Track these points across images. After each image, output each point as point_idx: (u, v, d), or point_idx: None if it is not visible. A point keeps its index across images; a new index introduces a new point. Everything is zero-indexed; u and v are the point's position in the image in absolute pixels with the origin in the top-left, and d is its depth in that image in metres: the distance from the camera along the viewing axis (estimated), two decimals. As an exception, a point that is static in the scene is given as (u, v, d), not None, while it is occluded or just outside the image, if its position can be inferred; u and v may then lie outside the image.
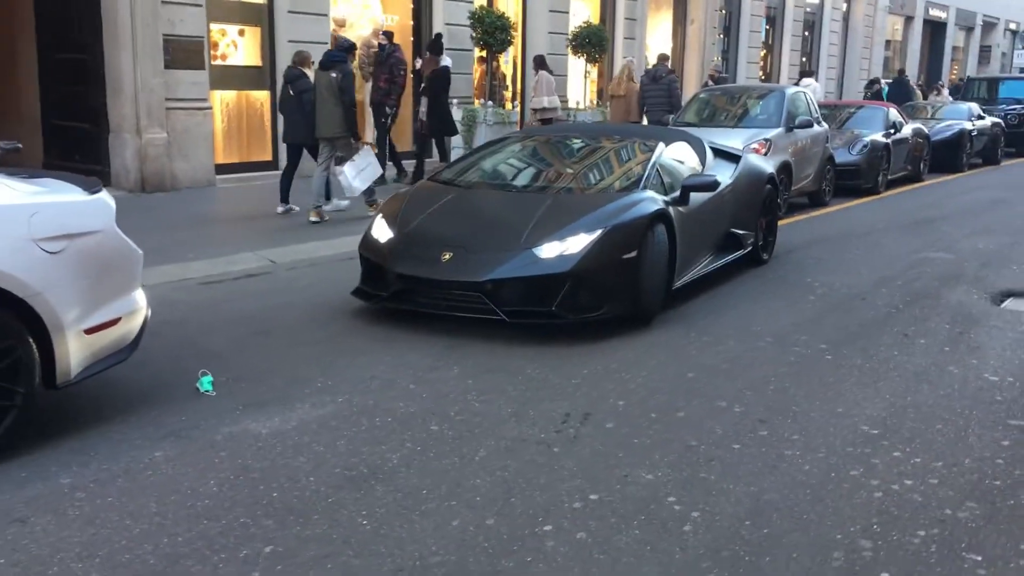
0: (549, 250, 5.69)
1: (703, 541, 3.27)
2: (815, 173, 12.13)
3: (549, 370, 5.12)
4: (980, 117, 19.08)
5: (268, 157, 13.04)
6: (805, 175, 11.78)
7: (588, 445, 4.12)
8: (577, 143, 7.59)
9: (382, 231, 6.24)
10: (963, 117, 18.59)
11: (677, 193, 6.59)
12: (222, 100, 12.62)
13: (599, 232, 5.73)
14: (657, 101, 14.38)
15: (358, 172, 9.76)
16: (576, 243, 5.69)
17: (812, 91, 19.16)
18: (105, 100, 11.08)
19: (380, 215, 6.47)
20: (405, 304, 5.92)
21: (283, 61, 12.59)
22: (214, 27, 12.26)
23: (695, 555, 3.18)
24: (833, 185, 12.84)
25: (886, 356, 5.52)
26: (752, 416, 4.49)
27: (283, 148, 12.65)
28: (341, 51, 10.19)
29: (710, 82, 16.74)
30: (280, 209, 10.17)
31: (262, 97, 13.04)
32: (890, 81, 24.40)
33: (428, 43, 13.51)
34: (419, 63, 13.65)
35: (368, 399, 4.64)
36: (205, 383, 4.74)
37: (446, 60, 12.97)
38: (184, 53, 11.39)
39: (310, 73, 10.18)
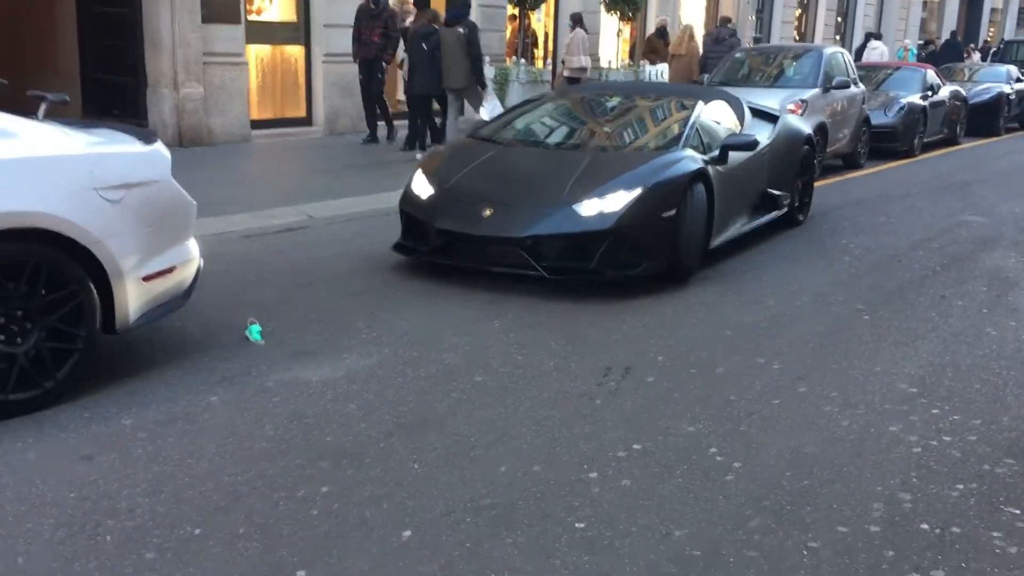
0: (589, 207, 5.72)
1: (745, 490, 3.36)
2: (851, 135, 12.06)
3: (588, 326, 5.21)
4: (1018, 80, 18.81)
5: (302, 113, 13.11)
6: (841, 136, 11.71)
7: (630, 398, 4.21)
8: (615, 101, 7.62)
9: (422, 187, 6.29)
10: (1001, 80, 18.36)
11: (716, 152, 6.60)
12: (257, 55, 12.68)
13: (639, 190, 5.77)
14: (719, 63, 14.28)
15: (491, 112, 10.43)
16: (616, 200, 5.73)
17: (880, 54, 19.01)
18: (143, 54, 11.16)
19: (420, 171, 6.51)
20: (445, 259, 5.99)
21: (319, 16, 12.66)
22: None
23: (738, 503, 3.27)
24: (868, 147, 12.75)
25: (924, 317, 5.56)
26: (791, 373, 4.56)
27: (319, 106, 12.83)
28: (465, 7, 11.45)
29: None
30: (419, 155, 10.44)
31: (296, 53, 13.08)
32: (943, 42, 24.51)
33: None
34: (408, 20, 12.60)
35: (412, 350, 4.75)
36: (254, 332, 4.86)
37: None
38: (221, 7, 11.44)
39: (438, 29, 11.37)
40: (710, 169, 6.28)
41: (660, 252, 5.84)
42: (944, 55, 22.81)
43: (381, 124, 12.27)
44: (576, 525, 3.10)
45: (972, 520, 3.19)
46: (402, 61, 11.96)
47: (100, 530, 2.99)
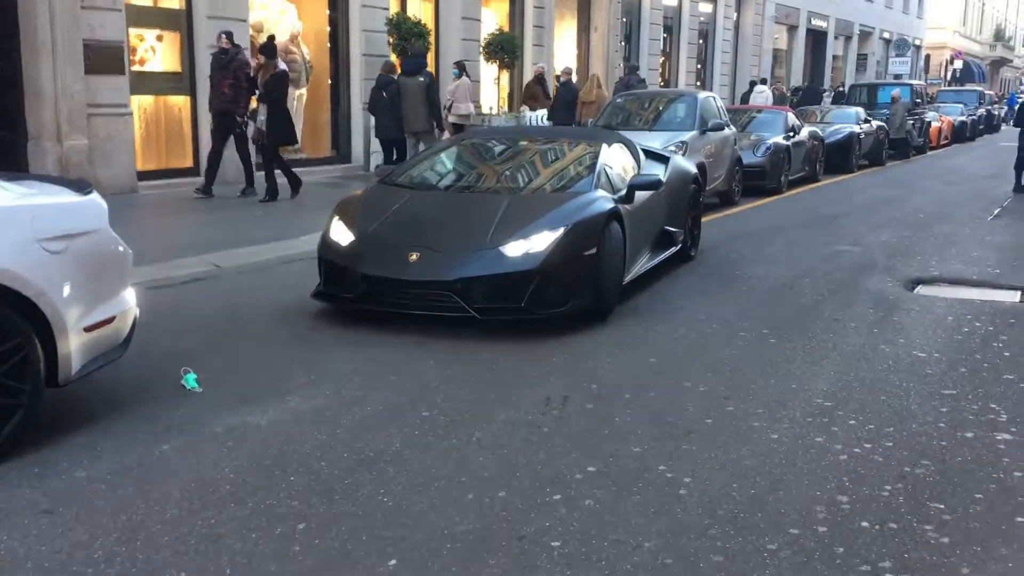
0: (515, 248, 5.86)
1: (699, 502, 3.58)
2: (726, 174, 12.73)
3: (520, 361, 5.37)
4: (866, 121, 20.20)
5: (189, 163, 12.90)
6: (717, 176, 12.34)
7: (575, 424, 4.40)
8: (523, 144, 7.83)
9: (341, 233, 6.29)
10: (851, 121, 19.66)
11: (623, 192, 6.91)
12: (141, 106, 12.45)
13: (562, 230, 5.94)
14: None
15: None
16: (540, 241, 5.89)
17: (765, 98, 20.39)
18: (23, 107, 10.81)
19: (336, 218, 6.48)
20: (372, 305, 5.99)
21: (202, 66, 12.54)
22: (133, 32, 12.08)
23: (695, 514, 3.48)
24: (742, 185, 13.48)
25: (823, 338, 5.97)
26: (717, 394, 4.84)
27: (204, 153, 12.68)
28: (421, 58, 12.54)
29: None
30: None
31: (181, 102, 12.91)
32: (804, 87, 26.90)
33: (261, 46, 12.15)
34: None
35: (355, 391, 4.81)
36: (190, 380, 4.82)
37: (282, 65, 11.82)
38: (104, 59, 11.22)
39: (396, 79, 12.45)
40: (620, 208, 6.58)
41: (585, 290, 6.01)
42: (805, 99, 25.24)
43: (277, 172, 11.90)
44: (552, 544, 3.24)
45: (905, 516, 3.49)
46: (253, 111, 11.52)
47: (83, 580, 2.95)
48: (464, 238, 6.05)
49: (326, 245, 6.38)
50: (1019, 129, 14.69)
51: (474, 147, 7.96)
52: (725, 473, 3.85)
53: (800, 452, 4.09)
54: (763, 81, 26.24)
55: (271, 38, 12.21)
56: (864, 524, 3.42)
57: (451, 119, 14.46)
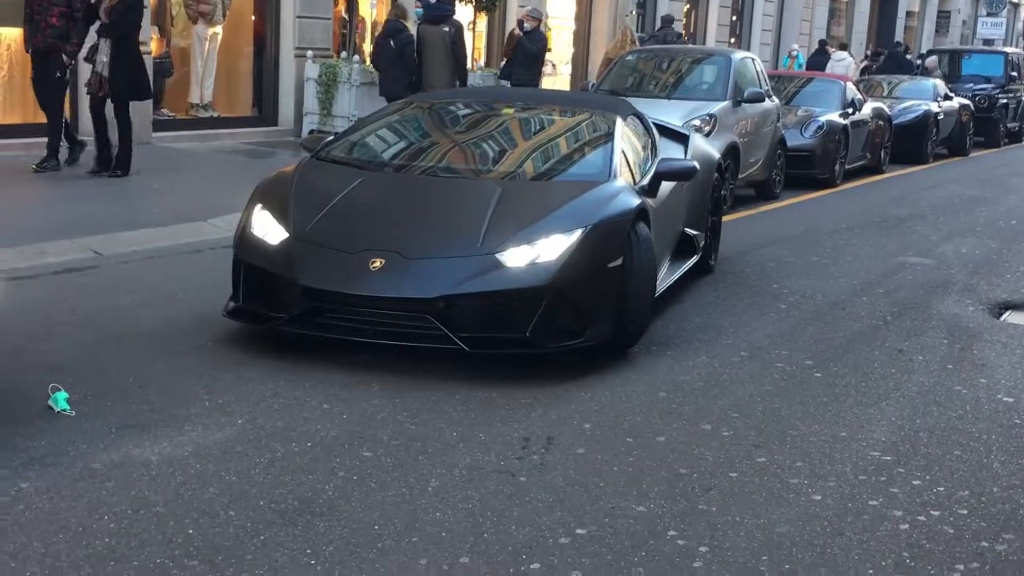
0: (516, 256, 5.56)
1: (719, 579, 3.64)
2: (765, 158, 12.85)
3: (491, 389, 5.39)
4: (947, 97, 20.39)
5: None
6: (754, 160, 12.48)
7: (560, 473, 4.44)
8: (506, 112, 7.68)
9: (269, 228, 5.89)
10: (927, 97, 19.79)
11: (645, 182, 6.72)
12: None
13: (579, 233, 5.65)
14: None
15: None
16: (551, 247, 5.59)
17: (845, 68, 20.77)
18: None
19: (259, 206, 6.09)
20: (314, 329, 5.65)
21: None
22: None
23: (713, 594, 3.54)
24: (784, 174, 13.59)
25: (883, 374, 6.07)
26: (744, 440, 4.91)
27: (85, 106, 12.61)
28: (447, 3, 12.70)
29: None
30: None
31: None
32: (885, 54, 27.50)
33: None
34: None
35: (275, 420, 4.83)
36: (60, 400, 4.82)
37: None
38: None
39: (410, 26, 12.97)
40: (647, 204, 6.37)
41: (605, 314, 5.75)
42: (887, 68, 25.19)
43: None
44: (527, 627, 3.28)
45: (981, 603, 3.57)
46: (91, 50, 10.89)
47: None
48: (446, 239, 5.77)
49: (247, 244, 5.98)
50: None
51: (439, 113, 7.75)
52: (752, 543, 3.91)
53: (849, 519, 4.16)
54: (843, 47, 26.61)
55: None
56: (928, 613, 3.49)
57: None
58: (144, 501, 3.96)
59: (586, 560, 3.70)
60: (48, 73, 10.79)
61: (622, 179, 6.44)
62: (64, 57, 10.71)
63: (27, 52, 11.09)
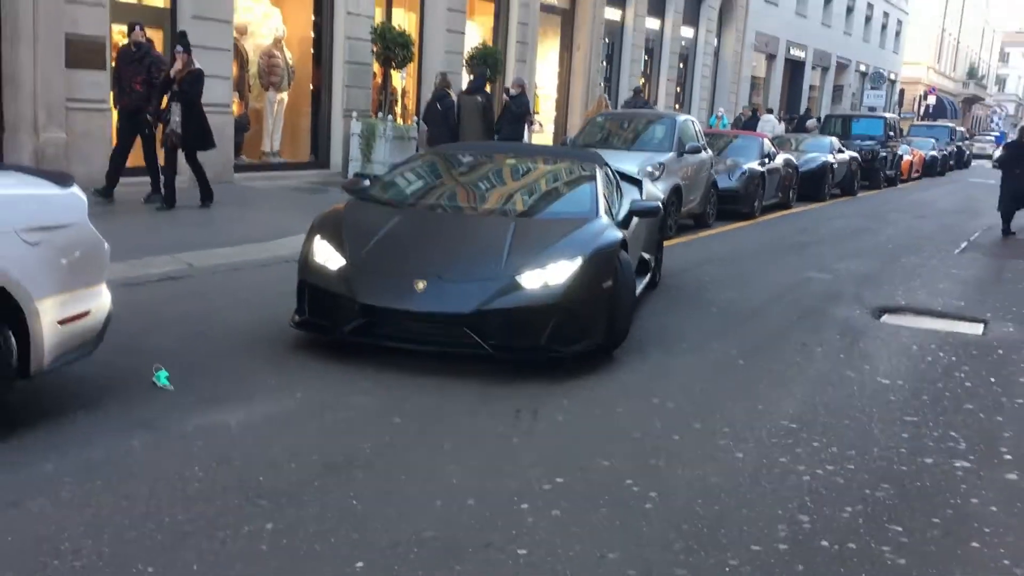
0: (532, 279, 5.38)
1: (664, 517, 3.64)
2: (701, 197, 12.85)
3: (489, 375, 5.32)
4: (841, 151, 20.49)
5: (160, 162, 12.79)
6: (692, 198, 12.48)
7: (544, 436, 4.44)
8: (511, 162, 7.50)
9: (328, 256, 5.64)
10: (826, 151, 19.90)
11: (620, 218, 6.58)
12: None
13: (580, 260, 5.49)
14: None
15: None
16: (559, 272, 5.42)
17: (772, 127, 20.96)
18: (1, 98, 10.71)
19: (318, 237, 5.84)
20: (370, 339, 5.40)
21: (185, 66, 12.47)
22: (116, 28, 12.02)
23: (660, 528, 3.54)
24: (716, 208, 13.62)
25: (791, 362, 6.07)
26: (685, 412, 4.91)
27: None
28: (481, 79, 14.35)
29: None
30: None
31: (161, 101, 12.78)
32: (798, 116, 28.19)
33: (176, 37, 10.99)
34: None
35: (326, 395, 4.82)
36: (161, 378, 4.81)
37: (197, 63, 10.70)
38: (85, 52, 11.12)
39: (452, 93, 13.97)
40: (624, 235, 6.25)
41: (599, 326, 5.60)
42: (800, 127, 26.62)
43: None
44: (518, 552, 3.28)
45: (864, 537, 3.57)
46: (164, 111, 10.55)
47: (48, 571, 2.95)
48: (475, 265, 5.54)
49: (310, 268, 5.69)
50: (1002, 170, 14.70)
51: (452, 163, 7.52)
52: (691, 489, 3.91)
53: (764, 472, 4.16)
54: (769, 111, 27.04)
55: (183, 34, 10.95)
56: (824, 544, 3.49)
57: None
58: (225, 456, 3.95)
59: (563, 502, 3.71)
60: (132, 127, 10.61)
61: (605, 216, 6.28)
62: (148, 116, 10.56)
63: (115, 109, 10.88)
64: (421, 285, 5.33)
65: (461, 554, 3.24)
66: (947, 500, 3.98)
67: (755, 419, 4.86)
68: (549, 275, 5.40)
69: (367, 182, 7.07)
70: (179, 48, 10.49)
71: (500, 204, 6.58)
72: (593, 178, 6.78)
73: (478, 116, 13.84)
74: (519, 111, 14.99)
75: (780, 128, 24.63)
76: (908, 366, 6.16)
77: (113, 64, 10.94)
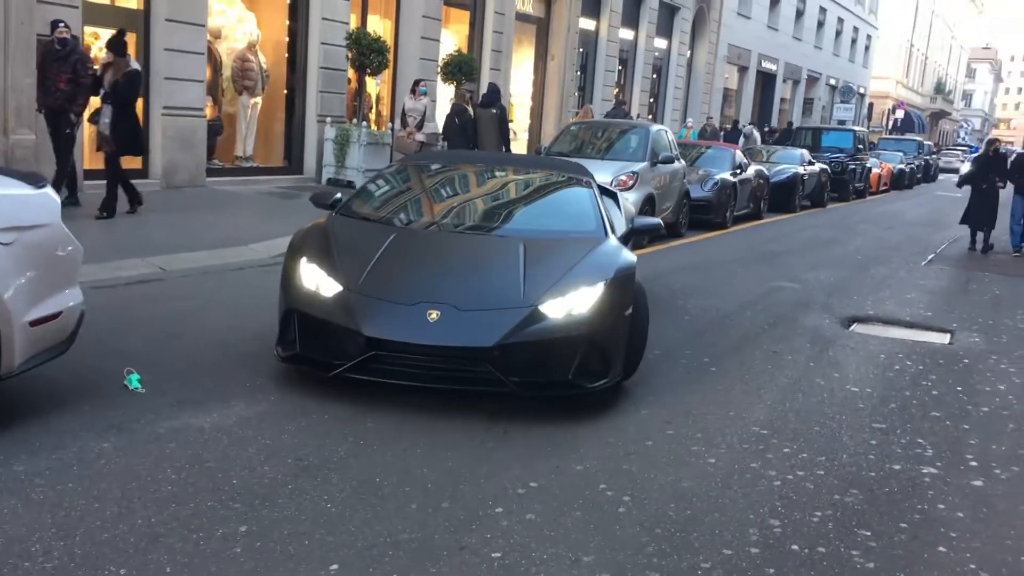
0: (555, 308, 4.85)
1: (637, 520, 3.66)
2: (674, 206, 12.95)
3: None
4: (811, 163, 20.71)
5: (138, 165, 12.71)
6: (665, 207, 12.56)
7: (518, 441, 4.45)
8: (500, 174, 6.97)
9: (320, 282, 4.99)
10: (796, 162, 20.11)
11: (621, 235, 6.11)
12: (93, 106, 12.19)
13: (601, 285, 5.00)
14: None
15: None
16: (582, 299, 4.91)
17: (753, 140, 21.43)
18: (-31, 98, 10.57)
19: (305, 260, 5.14)
20: (376, 375, 4.76)
21: (159, 69, 12.43)
22: (88, 30, 11.92)
23: (633, 532, 3.56)
24: (688, 218, 13.72)
25: (761, 368, 6.12)
26: (657, 418, 4.94)
27: (157, 157, 12.60)
28: (495, 93, 14.95)
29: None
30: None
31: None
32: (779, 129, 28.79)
33: (108, 41, 10.35)
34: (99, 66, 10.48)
35: (300, 398, 4.81)
36: (133, 380, 4.78)
37: (134, 63, 10.25)
38: (56, 55, 11.00)
39: (470, 108, 14.54)
40: None
41: (620, 355, 5.11)
42: (781, 140, 27.22)
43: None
44: (492, 555, 3.29)
45: (833, 541, 3.61)
46: (94, 113, 10.17)
47: (19, 573, 2.92)
48: (492, 293, 4.96)
49: (298, 295, 5.01)
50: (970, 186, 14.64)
51: (444, 175, 6.83)
52: (664, 493, 3.94)
53: (735, 477, 4.20)
54: (752, 123, 27.51)
55: (120, 32, 10.34)
56: (794, 547, 3.53)
57: (420, 138, 14.38)
58: (199, 458, 3.94)
59: (538, 505, 3.73)
60: (57, 129, 10.17)
61: (612, 236, 5.78)
62: (71, 117, 10.09)
63: (39, 111, 10.42)
64: (435, 315, 4.74)
65: (436, 556, 3.24)
66: (914, 505, 4.04)
67: (727, 425, 4.91)
68: (572, 303, 4.89)
69: (339, 194, 6.30)
70: (106, 52, 10.07)
71: (501, 222, 6.01)
72: (591, 192, 6.32)
73: (494, 128, 14.43)
74: (464, 121, 15.04)
75: (759, 139, 24.97)
76: (877, 374, 6.24)
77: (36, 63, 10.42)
